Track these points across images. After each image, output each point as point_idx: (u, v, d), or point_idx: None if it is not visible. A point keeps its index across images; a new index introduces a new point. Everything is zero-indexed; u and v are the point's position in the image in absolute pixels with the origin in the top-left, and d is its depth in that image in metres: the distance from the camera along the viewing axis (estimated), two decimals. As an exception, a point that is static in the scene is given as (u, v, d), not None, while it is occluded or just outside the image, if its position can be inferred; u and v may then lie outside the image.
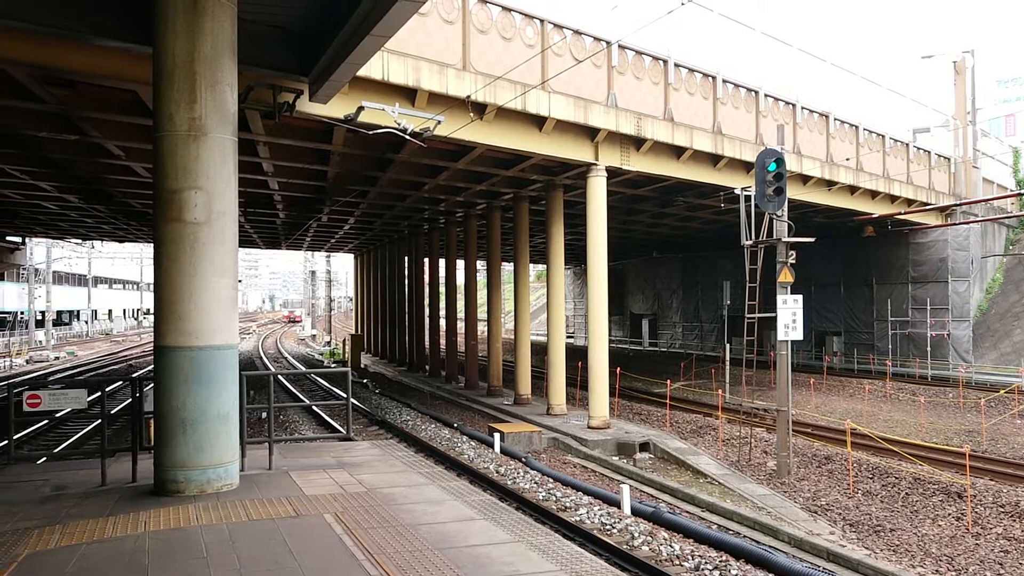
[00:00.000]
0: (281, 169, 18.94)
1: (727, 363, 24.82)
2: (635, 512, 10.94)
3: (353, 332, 47.92)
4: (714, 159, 19.76)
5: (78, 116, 13.55)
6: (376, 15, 8.33)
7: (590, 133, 17.05)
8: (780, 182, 14.12)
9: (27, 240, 37.10)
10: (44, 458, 12.34)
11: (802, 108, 22.15)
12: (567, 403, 20.58)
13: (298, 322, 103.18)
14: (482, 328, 37.66)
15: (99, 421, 10.03)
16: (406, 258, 36.03)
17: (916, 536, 10.80)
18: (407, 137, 12.43)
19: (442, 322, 36.03)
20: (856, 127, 24.62)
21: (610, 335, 29.14)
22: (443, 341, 33.48)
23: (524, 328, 23.40)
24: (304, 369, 34.82)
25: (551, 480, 12.94)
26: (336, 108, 12.30)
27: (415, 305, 34.40)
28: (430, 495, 7.82)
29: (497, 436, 16.05)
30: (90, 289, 70.40)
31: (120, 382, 25.08)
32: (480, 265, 36.24)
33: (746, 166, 20.15)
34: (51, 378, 30.91)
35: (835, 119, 23.59)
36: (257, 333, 77.80)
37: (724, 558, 8.97)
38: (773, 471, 14.39)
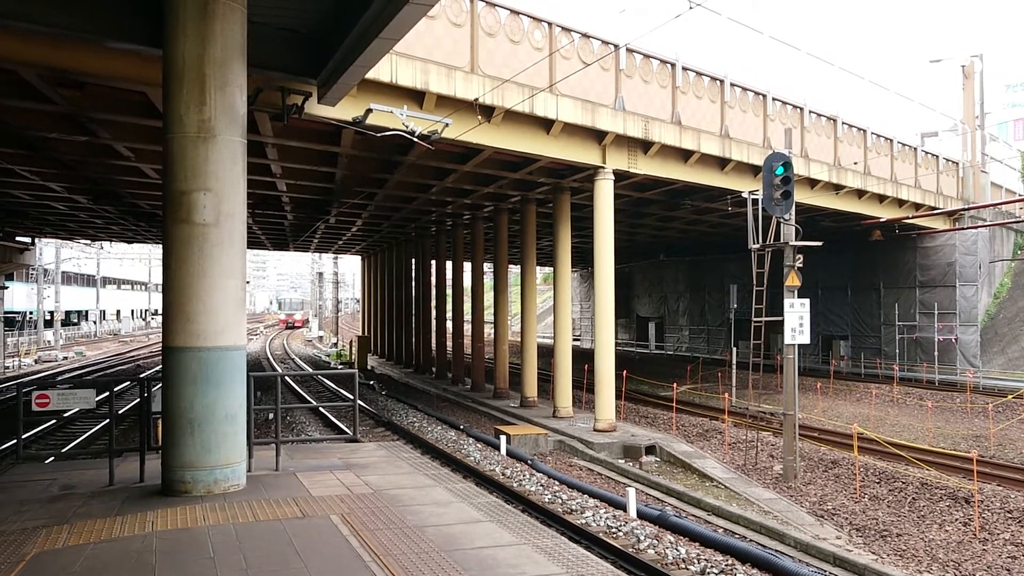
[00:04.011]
0: (289, 171, 19.01)
1: (734, 366, 24.76)
2: (641, 515, 10.93)
3: (360, 334, 48.00)
4: (721, 163, 19.75)
5: (88, 117, 13.63)
6: (385, 18, 8.38)
7: (597, 136, 17.07)
8: (788, 186, 14.11)
9: (36, 240, 37.24)
10: (52, 457, 12.40)
11: (810, 112, 22.11)
12: (573, 406, 20.58)
13: (298, 327, 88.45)
14: (489, 331, 37.70)
15: (107, 421, 10.08)
16: (413, 260, 36.10)
17: (923, 541, 10.76)
18: (415, 139, 12.48)
19: (449, 324, 36.08)
20: (864, 131, 24.56)
21: (616, 338, 29.10)
22: (450, 343, 33.52)
23: (531, 331, 23.41)
24: (311, 370, 34.94)
25: (557, 483, 12.95)
26: (344, 110, 12.36)
27: (422, 307, 34.43)
28: (436, 497, 7.83)
29: (503, 438, 16.05)
30: (98, 289, 70.78)
31: (128, 382, 25.22)
32: (487, 268, 36.26)
33: (753, 170, 20.13)
34: (59, 378, 31.06)
35: (843, 123, 23.55)
36: (264, 334, 77.99)
37: (730, 562, 8.96)
38: (779, 475, 14.36)
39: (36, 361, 41.68)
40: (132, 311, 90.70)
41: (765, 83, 27.07)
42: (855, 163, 23.82)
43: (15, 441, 8.67)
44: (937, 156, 29.29)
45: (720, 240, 34.68)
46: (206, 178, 7.78)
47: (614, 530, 10.01)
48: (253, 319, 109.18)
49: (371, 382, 29.05)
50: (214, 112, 7.82)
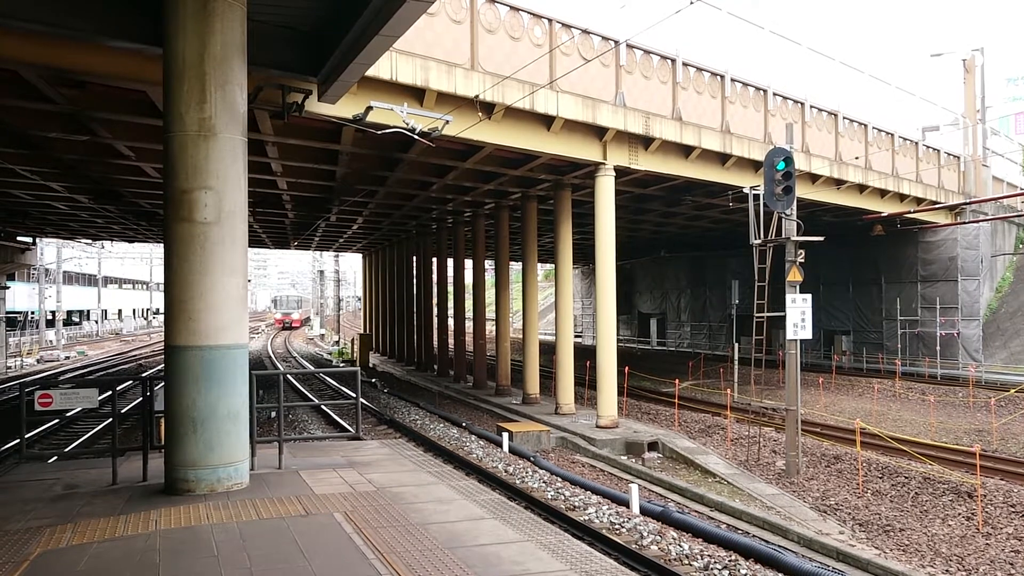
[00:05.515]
0: (290, 169, 18.99)
1: (736, 362, 24.77)
2: (644, 511, 10.93)
3: (361, 331, 48.01)
4: (722, 158, 19.72)
5: (88, 117, 13.62)
6: (385, 15, 8.36)
7: (598, 132, 17.05)
8: (789, 181, 14.09)
9: (38, 240, 37.27)
10: (55, 457, 12.41)
11: (811, 107, 22.08)
12: (575, 402, 20.58)
13: (296, 328, 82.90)
14: (490, 327, 37.73)
15: (110, 420, 10.10)
16: (414, 257, 36.08)
17: (926, 536, 10.76)
18: (415, 137, 12.45)
19: (450, 321, 36.08)
20: (865, 126, 24.53)
21: (618, 334, 29.08)
22: (451, 340, 33.52)
23: (532, 327, 23.40)
24: (313, 369, 34.93)
25: (560, 479, 12.94)
26: (345, 108, 12.34)
27: (423, 304, 34.44)
28: (439, 494, 7.83)
29: (505, 435, 16.05)
30: (100, 289, 70.78)
31: (130, 381, 25.23)
32: (488, 264, 36.26)
33: (755, 165, 20.11)
34: (62, 377, 31.07)
35: (844, 118, 23.52)
36: (266, 333, 78.01)
37: (733, 557, 8.95)
38: (782, 471, 14.36)
39: (38, 361, 41.70)
40: (134, 310, 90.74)
41: (766, 78, 27.08)
42: (856, 158, 23.79)
43: (18, 441, 8.67)
44: (938, 150, 29.25)
45: (721, 236, 34.65)
46: (207, 176, 7.77)
47: (617, 526, 10.00)
48: (255, 318, 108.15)
49: (373, 380, 29.06)
50: (214, 110, 7.81)
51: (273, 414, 17.94)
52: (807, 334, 14.60)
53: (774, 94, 20.74)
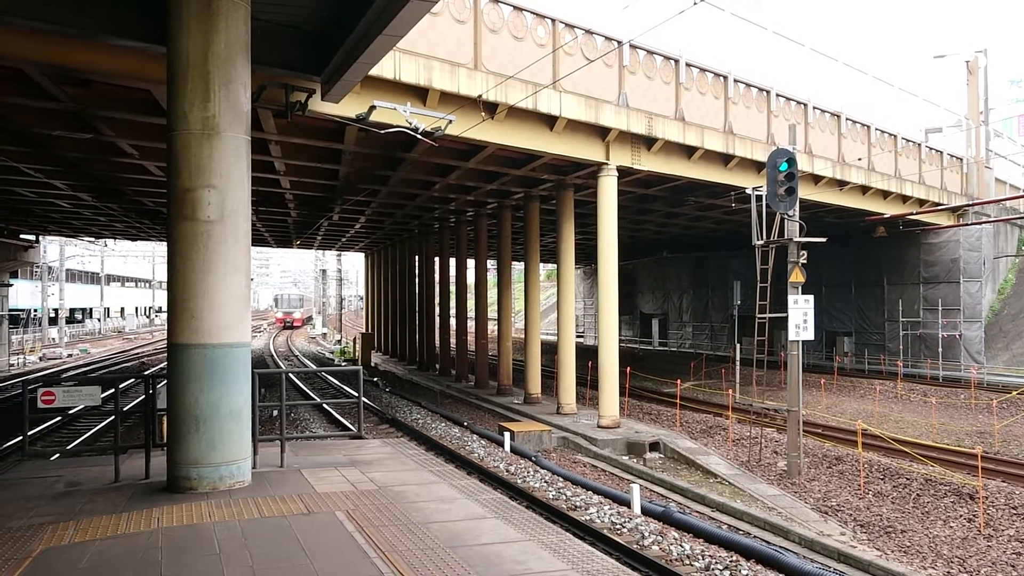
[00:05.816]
0: (293, 168, 19.00)
1: (737, 363, 24.76)
2: (645, 512, 10.93)
3: (363, 331, 48.02)
4: (725, 159, 19.71)
5: (92, 115, 13.64)
6: (388, 14, 8.36)
7: (601, 133, 17.04)
8: (791, 182, 14.08)
9: (40, 238, 37.33)
10: (58, 455, 12.43)
11: (814, 108, 22.06)
12: (577, 402, 20.58)
13: (298, 327, 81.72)
14: (492, 327, 37.75)
15: (112, 418, 10.10)
16: (416, 257, 36.10)
17: (927, 537, 10.75)
18: (418, 136, 12.46)
19: (452, 321, 36.09)
20: (868, 127, 24.51)
21: (620, 335, 29.08)
22: (453, 340, 33.53)
23: (534, 327, 23.39)
24: (315, 367, 34.92)
25: (561, 479, 12.94)
26: (348, 107, 12.35)
27: (425, 304, 34.45)
28: (441, 493, 7.84)
29: (507, 435, 16.06)
30: (102, 287, 70.86)
31: (133, 379, 25.28)
32: (490, 264, 36.26)
33: (757, 166, 20.09)
34: (64, 375, 31.12)
35: (847, 119, 23.49)
36: (268, 332, 78.02)
37: (734, 558, 8.96)
38: (784, 471, 14.35)
39: (41, 358, 41.74)
40: (136, 308, 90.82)
41: (769, 79, 27.04)
42: (859, 159, 23.77)
43: (21, 438, 8.69)
44: (941, 152, 29.22)
45: (724, 237, 34.63)
46: (210, 175, 7.78)
47: (619, 526, 10.01)
48: (257, 316, 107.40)
49: (375, 379, 29.07)
50: (218, 109, 7.82)
51: (275, 412, 17.97)
52: (809, 335, 14.60)
53: (777, 95, 20.73)
